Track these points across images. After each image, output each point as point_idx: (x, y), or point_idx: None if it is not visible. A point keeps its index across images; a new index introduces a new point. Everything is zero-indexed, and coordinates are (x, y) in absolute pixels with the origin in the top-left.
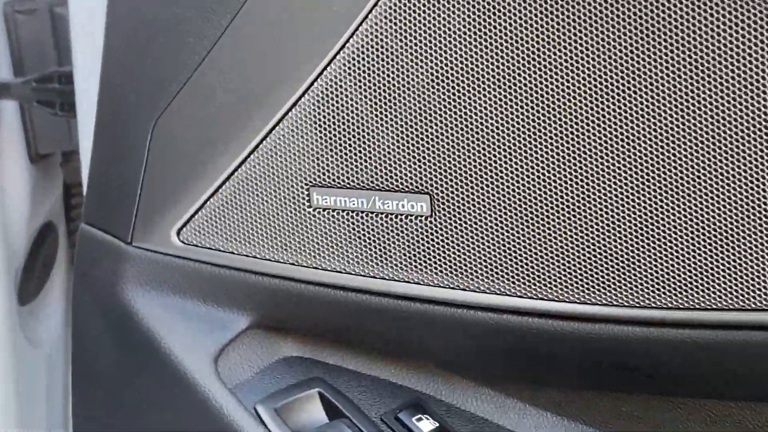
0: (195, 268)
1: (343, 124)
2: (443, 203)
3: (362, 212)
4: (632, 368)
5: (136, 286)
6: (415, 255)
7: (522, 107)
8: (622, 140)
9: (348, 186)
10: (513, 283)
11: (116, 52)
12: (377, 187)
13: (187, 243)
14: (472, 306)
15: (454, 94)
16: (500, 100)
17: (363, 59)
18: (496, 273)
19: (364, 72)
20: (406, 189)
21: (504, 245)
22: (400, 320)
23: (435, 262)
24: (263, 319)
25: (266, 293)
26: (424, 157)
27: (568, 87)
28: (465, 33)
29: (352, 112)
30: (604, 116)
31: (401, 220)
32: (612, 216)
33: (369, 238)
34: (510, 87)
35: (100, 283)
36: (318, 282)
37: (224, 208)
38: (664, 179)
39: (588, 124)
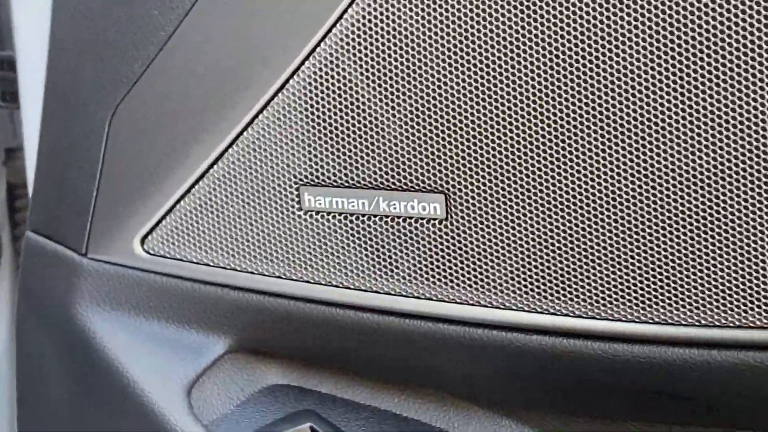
0: (163, 284)
1: (340, 110)
2: (461, 204)
3: (363, 215)
4: (686, 397)
5: (93, 306)
6: (426, 266)
7: (566, 84)
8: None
9: (346, 184)
10: (544, 298)
11: (66, 33)
12: (382, 186)
13: (154, 254)
14: (495, 325)
15: (476, 70)
16: (536, 73)
17: (364, 31)
18: (524, 287)
19: (366, 46)
20: (417, 187)
21: (533, 255)
22: (406, 342)
23: (451, 274)
24: (244, 341)
25: (248, 312)
26: (438, 149)
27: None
28: None
29: (352, 95)
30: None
31: (410, 224)
32: (670, 223)
33: (371, 247)
34: (550, 58)
35: (49, 301)
36: (309, 298)
37: (197, 212)
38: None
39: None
